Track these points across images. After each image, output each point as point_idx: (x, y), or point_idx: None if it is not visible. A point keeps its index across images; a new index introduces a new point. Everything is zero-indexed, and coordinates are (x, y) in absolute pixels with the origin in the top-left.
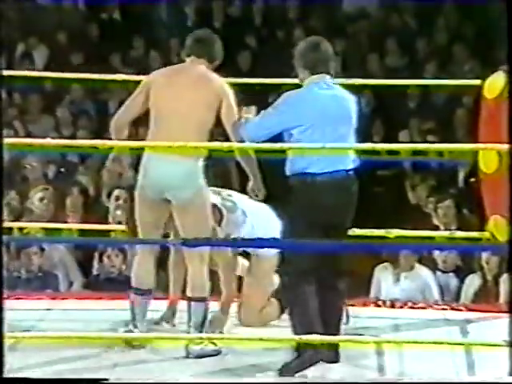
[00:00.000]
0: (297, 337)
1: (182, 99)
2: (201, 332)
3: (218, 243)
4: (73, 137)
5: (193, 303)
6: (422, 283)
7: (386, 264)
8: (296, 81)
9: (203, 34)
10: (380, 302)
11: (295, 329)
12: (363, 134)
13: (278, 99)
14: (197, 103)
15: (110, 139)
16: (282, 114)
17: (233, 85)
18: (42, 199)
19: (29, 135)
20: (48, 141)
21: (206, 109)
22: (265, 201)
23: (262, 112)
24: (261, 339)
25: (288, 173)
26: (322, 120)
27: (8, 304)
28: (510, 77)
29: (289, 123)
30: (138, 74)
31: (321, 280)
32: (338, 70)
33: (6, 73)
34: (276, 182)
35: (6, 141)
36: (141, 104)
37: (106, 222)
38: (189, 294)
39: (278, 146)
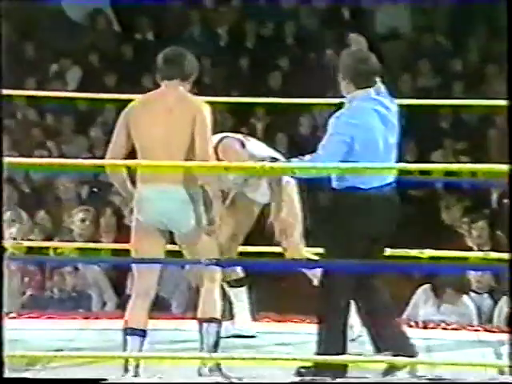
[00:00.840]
0: (316, 357)
1: (161, 126)
2: (214, 353)
3: (253, 262)
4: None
5: (205, 324)
6: (463, 306)
7: (427, 286)
8: (327, 100)
9: (170, 54)
10: (412, 323)
11: (321, 340)
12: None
13: (332, 124)
14: (176, 128)
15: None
16: (344, 135)
17: (264, 104)
18: (83, 220)
19: (62, 156)
20: (81, 161)
21: (186, 132)
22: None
23: (323, 143)
24: (275, 359)
25: (336, 187)
26: (374, 134)
27: (41, 323)
28: (510, 77)
29: (351, 143)
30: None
31: (366, 298)
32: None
33: (38, 93)
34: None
35: (40, 161)
36: (124, 140)
37: None
38: (200, 315)
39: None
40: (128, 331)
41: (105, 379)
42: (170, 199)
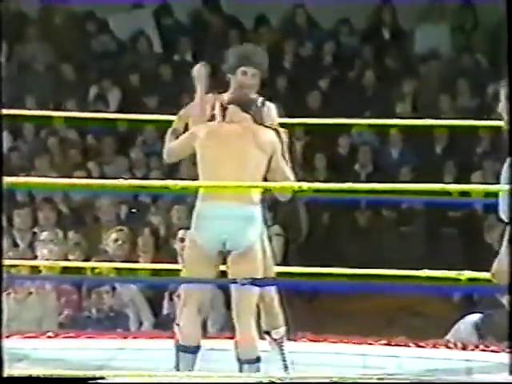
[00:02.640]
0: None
1: (231, 149)
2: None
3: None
4: (146, 177)
5: (245, 366)
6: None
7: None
8: (366, 121)
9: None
10: (451, 344)
11: None
12: (435, 175)
13: None
14: (249, 153)
15: (182, 179)
16: None
17: (302, 124)
18: (116, 240)
19: (103, 176)
20: (120, 182)
21: (257, 152)
22: None
23: None
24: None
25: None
26: None
27: (79, 343)
28: (510, 78)
29: None
30: None
31: None
32: (408, 109)
33: (79, 115)
34: None
35: (78, 182)
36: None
37: (177, 262)
38: (241, 356)
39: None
40: (180, 348)
41: (103, 378)
42: (231, 216)
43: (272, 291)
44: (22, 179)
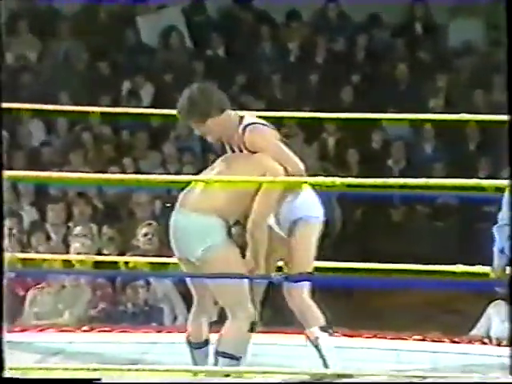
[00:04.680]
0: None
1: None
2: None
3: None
4: (178, 172)
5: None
6: None
7: (499, 301)
8: (399, 115)
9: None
10: (486, 340)
11: None
12: (469, 169)
13: None
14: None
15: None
16: None
17: (335, 120)
18: (145, 234)
19: (137, 171)
20: (154, 176)
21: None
22: None
23: None
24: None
25: None
26: None
27: (114, 337)
28: (509, 80)
29: None
30: (241, 109)
31: None
32: (441, 104)
33: (113, 110)
34: None
35: (111, 177)
36: None
37: None
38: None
39: None
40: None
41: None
42: (177, 224)
43: (297, 288)
44: (23, 173)
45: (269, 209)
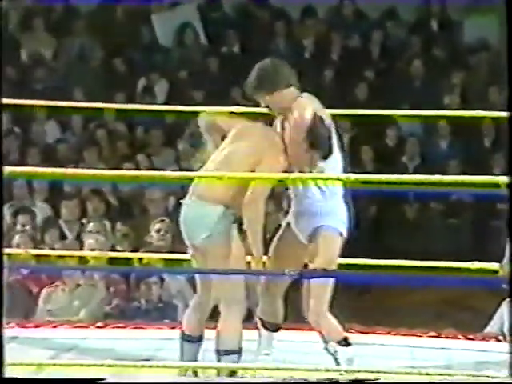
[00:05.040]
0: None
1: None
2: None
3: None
4: (192, 169)
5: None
6: None
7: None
8: (414, 112)
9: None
10: (501, 337)
11: None
12: (484, 167)
13: None
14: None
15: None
16: None
17: (349, 116)
18: (159, 231)
19: (151, 168)
20: (168, 173)
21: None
22: None
23: None
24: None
25: None
26: None
27: (128, 333)
28: (510, 80)
29: None
30: (256, 106)
31: None
32: (457, 101)
33: (127, 106)
34: None
35: (125, 173)
36: None
37: None
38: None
39: None
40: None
41: (103, 379)
42: (184, 213)
43: (317, 303)
44: (22, 169)
45: (264, 187)
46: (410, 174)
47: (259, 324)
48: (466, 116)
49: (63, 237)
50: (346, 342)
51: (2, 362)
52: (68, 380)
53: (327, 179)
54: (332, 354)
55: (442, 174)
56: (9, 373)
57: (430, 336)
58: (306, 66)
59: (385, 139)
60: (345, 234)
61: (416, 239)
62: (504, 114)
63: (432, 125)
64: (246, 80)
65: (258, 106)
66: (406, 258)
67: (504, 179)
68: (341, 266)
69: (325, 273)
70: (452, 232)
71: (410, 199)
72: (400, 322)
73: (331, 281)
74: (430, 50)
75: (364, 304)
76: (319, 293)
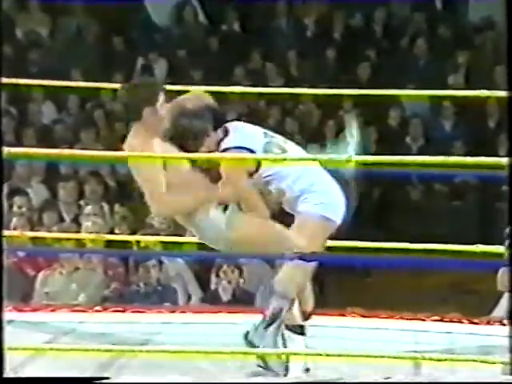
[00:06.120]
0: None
1: None
2: None
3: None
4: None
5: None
6: None
7: None
8: (417, 92)
9: None
10: (506, 321)
11: None
12: (488, 148)
13: None
14: None
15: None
16: None
17: (352, 96)
18: None
19: None
20: (167, 154)
21: None
22: None
23: None
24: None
25: None
26: None
27: (126, 317)
28: (509, 78)
29: None
30: (256, 85)
31: None
32: (461, 81)
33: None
34: None
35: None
36: None
37: None
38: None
39: None
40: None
41: (105, 378)
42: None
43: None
44: (18, 149)
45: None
46: (413, 155)
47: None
48: (470, 96)
49: (60, 219)
50: (298, 330)
51: (1, 362)
52: (68, 378)
53: (330, 162)
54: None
55: (447, 155)
56: (6, 357)
57: (433, 320)
58: (308, 46)
59: (388, 120)
60: (333, 218)
61: (420, 221)
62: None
63: (436, 105)
64: None
65: (258, 85)
66: (409, 241)
67: (508, 161)
68: (344, 249)
69: (326, 255)
70: (457, 214)
71: (413, 181)
72: (404, 306)
73: (306, 267)
74: (434, 28)
75: (367, 288)
76: (290, 272)
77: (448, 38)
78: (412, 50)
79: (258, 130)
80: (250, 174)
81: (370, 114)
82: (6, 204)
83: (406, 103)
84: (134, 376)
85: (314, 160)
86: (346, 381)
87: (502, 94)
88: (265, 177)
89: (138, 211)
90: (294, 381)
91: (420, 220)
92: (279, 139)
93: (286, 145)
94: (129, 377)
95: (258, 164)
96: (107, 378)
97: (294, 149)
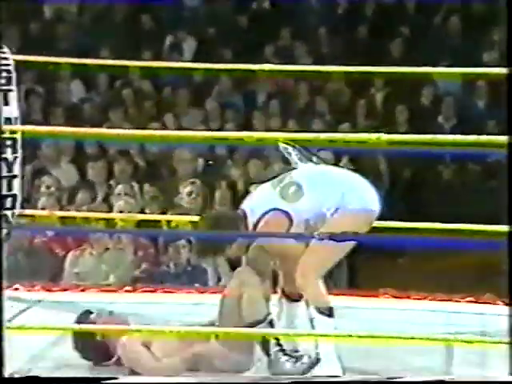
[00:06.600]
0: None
1: None
2: None
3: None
4: (221, 129)
5: None
6: None
7: None
8: (450, 69)
9: None
10: None
11: None
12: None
13: None
14: None
15: (258, 131)
16: None
17: (384, 74)
18: (190, 193)
19: (179, 128)
20: (197, 133)
21: None
22: None
23: None
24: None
25: None
26: None
27: (156, 297)
28: (509, 77)
29: None
30: (286, 63)
31: None
32: (497, 58)
33: (154, 64)
34: None
35: (151, 133)
36: None
37: None
38: None
39: None
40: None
41: (106, 378)
42: None
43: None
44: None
45: None
46: (446, 134)
47: (280, 293)
48: (504, 74)
49: (91, 199)
50: (327, 312)
51: (1, 362)
52: (72, 378)
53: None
54: (310, 320)
55: (480, 134)
56: (33, 336)
57: (467, 301)
58: (339, 23)
59: (420, 98)
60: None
61: (453, 201)
62: None
63: (470, 83)
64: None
65: (288, 64)
66: (441, 221)
67: None
68: (375, 229)
69: (357, 236)
70: (490, 194)
71: (446, 160)
72: (436, 287)
73: (332, 249)
74: (469, 5)
75: (399, 268)
76: (313, 256)
77: (482, 14)
78: (446, 27)
79: (266, 188)
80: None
81: (402, 92)
82: (32, 184)
83: (439, 81)
84: (134, 376)
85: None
86: (348, 379)
87: None
88: (301, 219)
89: (168, 191)
90: (294, 381)
91: (452, 200)
92: (288, 175)
93: (297, 173)
94: (129, 377)
95: (290, 217)
96: (107, 379)
97: (306, 168)
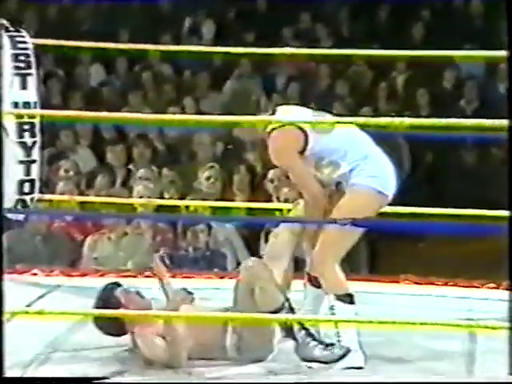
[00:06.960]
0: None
1: None
2: None
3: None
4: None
5: None
6: None
7: None
8: (472, 53)
9: None
10: None
11: None
12: None
13: None
14: None
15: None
16: None
17: (405, 57)
18: (208, 178)
19: (199, 112)
20: (216, 117)
21: None
22: None
23: None
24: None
25: None
26: None
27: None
28: (509, 76)
29: None
30: (305, 46)
31: None
32: None
33: (173, 48)
34: None
35: (171, 117)
36: None
37: (271, 201)
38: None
39: None
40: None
41: (106, 377)
42: None
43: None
44: (64, 112)
45: None
46: (468, 118)
47: (306, 280)
48: None
49: (110, 183)
50: (347, 299)
51: (1, 362)
52: (69, 379)
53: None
54: (330, 308)
55: (502, 118)
56: (52, 321)
57: (489, 287)
58: (360, 6)
59: (442, 82)
60: (385, 192)
61: (475, 186)
62: None
63: (492, 66)
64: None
65: (308, 47)
66: (463, 206)
67: None
68: (397, 214)
69: (378, 221)
70: None
71: (468, 145)
72: (458, 273)
73: (347, 234)
74: None
75: (420, 254)
76: (328, 242)
77: None
78: (468, 10)
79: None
80: (301, 152)
81: (423, 75)
82: (50, 168)
83: (461, 64)
84: (134, 376)
85: (366, 125)
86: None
87: None
88: (316, 152)
89: (187, 175)
90: (294, 381)
91: (474, 185)
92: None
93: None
94: (129, 377)
95: (306, 141)
96: (107, 378)
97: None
